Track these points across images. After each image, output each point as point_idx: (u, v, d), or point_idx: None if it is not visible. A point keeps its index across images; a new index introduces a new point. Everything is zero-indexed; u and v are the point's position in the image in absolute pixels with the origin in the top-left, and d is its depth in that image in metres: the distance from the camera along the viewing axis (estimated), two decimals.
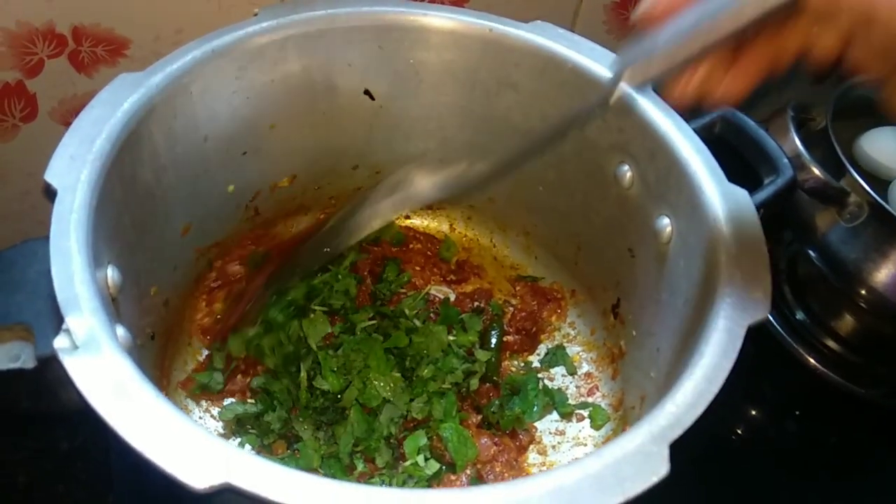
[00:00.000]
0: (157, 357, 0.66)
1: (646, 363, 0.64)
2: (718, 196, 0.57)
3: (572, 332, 0.77)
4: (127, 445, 0.39)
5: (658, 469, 0.42)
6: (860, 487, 0.78)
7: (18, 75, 0.69)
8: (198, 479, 0.38)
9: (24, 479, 0.68)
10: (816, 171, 0.72)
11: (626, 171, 0.66)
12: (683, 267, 0.59)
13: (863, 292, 0.74)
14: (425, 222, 0.84)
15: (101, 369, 0.41)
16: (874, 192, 0.70)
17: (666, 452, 0.43)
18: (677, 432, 0.44)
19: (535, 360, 0.76)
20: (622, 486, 0.41)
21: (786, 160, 0.62)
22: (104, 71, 0.73)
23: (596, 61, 0.65)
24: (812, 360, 0.81)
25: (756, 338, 0.50)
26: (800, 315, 0.84)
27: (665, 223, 0.62)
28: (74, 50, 0.70)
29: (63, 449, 0.70)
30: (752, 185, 0.60)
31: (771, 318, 0.83)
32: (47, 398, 0.52)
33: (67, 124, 0.52)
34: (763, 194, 0.60)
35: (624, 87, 0.48)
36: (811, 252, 0.77)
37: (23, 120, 0.73)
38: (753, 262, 0.53)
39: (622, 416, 0.68)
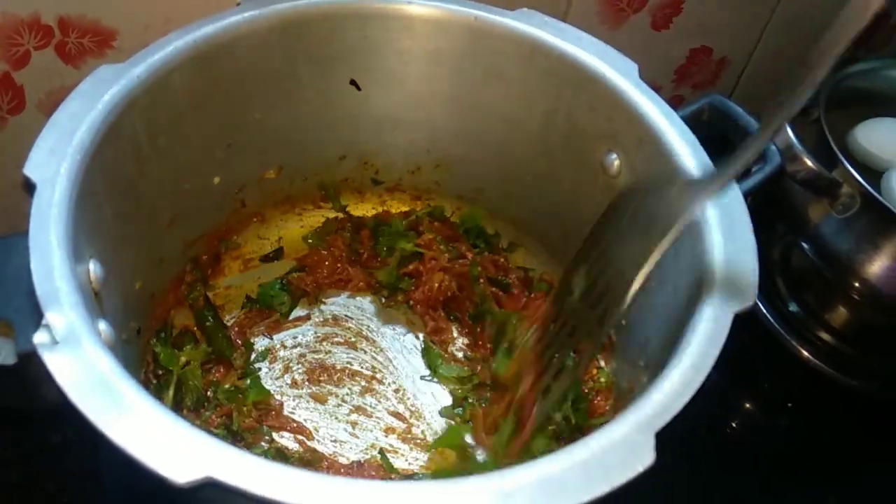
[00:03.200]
0: (143, 351, 0.65)
1: (635, 352, 0.64)
2: None
3: None
4: (108, 440, 0.39)
5: (644, 458, 0.41)
6: (852, 480, 0.78)
7: (5, 67, 0.69)
8: (179, 473, 0.38)
9: (17, 476, 0.68)
10: (809, 162, 0.71)
11: (614, 160, 0.65)
12: (671, 255, 0.59)
13: (856, 284, 0.74)
14: None
15: (82, 364, 0.41)
16: (867, 182, 0.70)
17: (652, 441, 0.42)
18: (663, 421, 0.44)
19: None
20: (608, 475, 0.41)
21: (773, 147, 0.62)
22: (92, 62, 0.72)
23: (583, 49, 0.64)
24: (805, 353, 0.81)
25: (749, 330, 0.50)
26: (793, 307, 0.84)
27: None
28: (61, 41, 0.69)
29: (54, 443, 0.70)
30: None
31: (764, 310, 0.83)
32: (31, 394, 0.51)
33: None
34: (750, 182, 0.60)
35: None
36: (804, 244, 0.76)
37: (10, 112, 0.72)
38: (740, 249, 0.53)
39: (612, 406, 0.68)
